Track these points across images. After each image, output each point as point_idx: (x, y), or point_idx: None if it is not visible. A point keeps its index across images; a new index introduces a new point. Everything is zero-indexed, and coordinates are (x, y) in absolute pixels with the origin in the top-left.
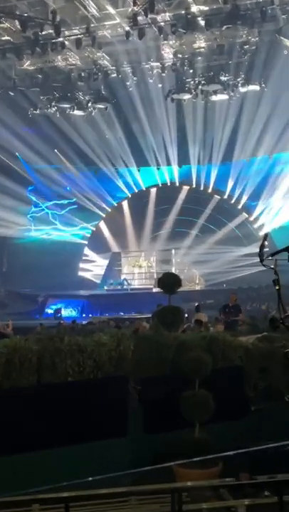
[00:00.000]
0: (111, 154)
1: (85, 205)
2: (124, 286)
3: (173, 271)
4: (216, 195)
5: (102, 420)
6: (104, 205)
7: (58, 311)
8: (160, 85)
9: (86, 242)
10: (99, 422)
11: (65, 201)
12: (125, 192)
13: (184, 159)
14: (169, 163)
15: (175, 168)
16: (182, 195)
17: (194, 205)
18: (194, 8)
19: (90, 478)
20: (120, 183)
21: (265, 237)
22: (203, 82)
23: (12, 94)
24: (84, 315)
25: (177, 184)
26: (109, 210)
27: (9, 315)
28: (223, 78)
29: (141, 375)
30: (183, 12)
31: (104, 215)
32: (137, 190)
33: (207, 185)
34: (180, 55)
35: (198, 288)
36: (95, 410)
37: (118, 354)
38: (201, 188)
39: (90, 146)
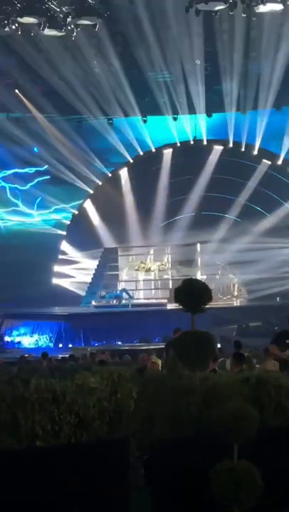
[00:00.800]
0: (102, 97)
1: (63, 176)
2: (124, 301)
3: (198, 277)
4: (264, 160)
5: (89, 509)
6: (91, 176)
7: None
8: None
9: (64, 233)
10: (83, 511)
11: (32, 169)
12: (124, 155)
13: (215, 104)
14: (192, 111)
15: (201, 118)
16: (212, 160)
17: (231, 174)
18: None
19: None
20: (116, 141)
21: None
22: None
23: None
24: (61, 345)
25: (205, 142)
26: (100, 183)
27: None
28: None
29: (149, 439)
30: None
31: (91, 191)
32: (142, 152)
33: (251, 143)
34: None
35: (237, 303)
36: (77, 493)
37: (114, 406)
38: (242, 149)
39: (69, 85)
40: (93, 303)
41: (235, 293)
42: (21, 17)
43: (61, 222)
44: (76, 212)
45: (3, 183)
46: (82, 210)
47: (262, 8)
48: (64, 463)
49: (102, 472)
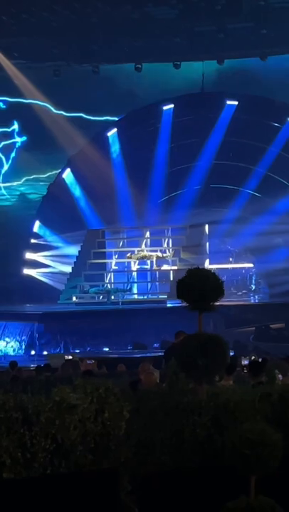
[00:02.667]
0: (85, 38)
1: (36, 139)
2: (113, 297)
3: (207, 267)
4: None
5: None
6: (71, 139)
7: None
8: None
9: (37, 211)
10: None
11: None
12: (113, 112)
13: (228, 48)
14: (199, 56)
15: (211, 65)
16: (224, 118)
17: (248, 136)
18: None
19: None
20: (103, 95)
21: None
22: None
23: None
24: (33, 352)
25: (215, 96)
26: (82, 147)
27: None
28: None
29: (144, 469)
30: None
31: (71, 158)
32: (135, 109)
33: (273, 98)
34: None
35: (255, 300)
36: None
37: (100, 428)
38: (262, 105)
39: (44, 24)
40: (74, 299)
41: (253, 287)
42: None
43: (33, 197)
44: (52, 185)
45: None
46: (59, 181)
47: None
48: (38, 500)
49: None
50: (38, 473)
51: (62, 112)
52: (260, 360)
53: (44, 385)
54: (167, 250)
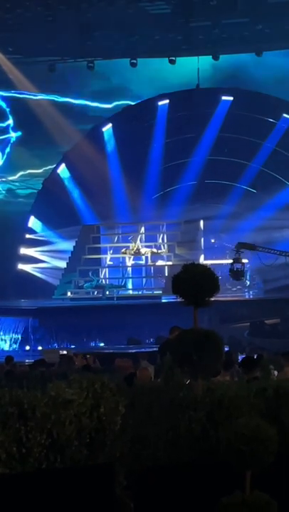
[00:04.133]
0: (80, 33)
1: (30, 134)
2: (107, 292)
3: (201, 262)
4: (285, 115)
5: None
6: (66, 134)
7: None
8: None
9: (32, 206)
10: None
11: None
12: (108, 107)
13: (223, 44)
14: (194, 52)
15: (206, 60)
16: (219, 113)
17: (243, 132)
18: None
19: None
20: (98, 90)
21: None
22: None
23: None
24: (28, 347)
25: (210, 92)
26: (77, 142)
27: None
28: None
29: (139, 464)
30: None
31: (66, 153)
32: (130, 104)
33: (269, 94)
34: None
35: (250, 296)
36: None
37: (95, 423)
38: (257, 101)
39: (39, 18)
40: (69, 294)
41: (248, 282)
42: None
43: (28, 192)
44: (47, 180)
45: None
46: (54, 177)
47: None
48: (33, 494)
49: (81, 507)
50: (33, 468)
51: (57, 107)
52: (255, 356)
53: (39, 381)
54: (162, 246)
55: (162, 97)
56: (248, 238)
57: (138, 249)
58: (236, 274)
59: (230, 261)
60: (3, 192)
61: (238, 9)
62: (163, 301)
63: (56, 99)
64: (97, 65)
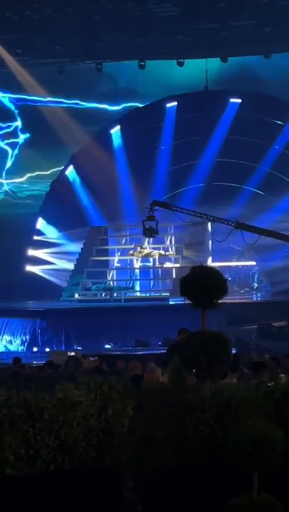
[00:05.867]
0: (88, 35)
1: (39, 135)
2: (115, 294)
3: (209, 264)
4: None
5: None
6: (75, 136)
7: None
8: None
9: (40, 208)
10: None
11: None
12: (116, 109)
13: (231, 46)
14: (202, 54)
15: (214, 63)
16: (228, 116)
17: (251, 134)
18: None
19: None
20: (106, 92)
21: None
22: None
23: None
24: (36, 348)
25: (218, 94)
26: (86, 144)
27: None
28: None
29: (147, 466)
30: None
31: (74, 155)
32: (138, 106)
33: (277, 96)
34: None
35: (257, 297)
36: None
37: (103, 425)
38: (266, 103)
39: (48, 21)
40: (76, 296)
41: (256, 285)
42: None
43: (36, 193)
44: (55, 182)
45: None
46: (62, 178)
47: None
48: (41, 496)
49: (88, 508)
50: (41, 470)
51: (65, 109)
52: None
53: (47, 382)
54: (170, 248)
55: (170, 98)
56: (255, 240)
57: (145, 251)
58: (149, 231)
59: (239, 263)
60: (11, 194)
61: (246, 11)
62: (170, 303)
63: (64, 100)
64: (105, 66)
